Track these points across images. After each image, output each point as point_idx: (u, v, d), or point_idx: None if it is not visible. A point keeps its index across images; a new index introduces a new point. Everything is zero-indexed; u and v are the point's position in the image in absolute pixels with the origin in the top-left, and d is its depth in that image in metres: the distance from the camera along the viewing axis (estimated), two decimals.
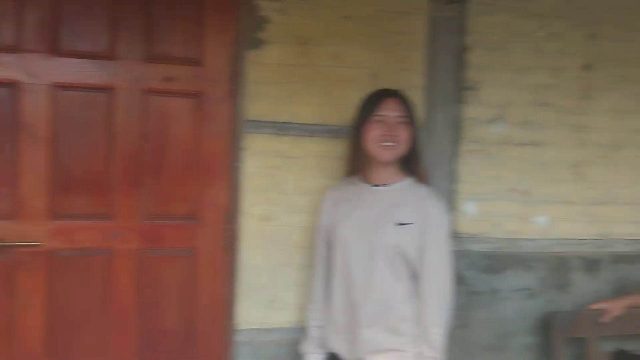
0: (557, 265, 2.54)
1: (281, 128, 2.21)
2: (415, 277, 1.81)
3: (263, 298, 2.22)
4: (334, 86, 2.25)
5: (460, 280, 2.42)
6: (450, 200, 2.40)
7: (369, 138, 1.84)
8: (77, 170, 2.05)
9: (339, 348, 1.88)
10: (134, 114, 2.09)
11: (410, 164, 1.91)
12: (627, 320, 2.49)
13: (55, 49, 2.01)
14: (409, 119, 1.87)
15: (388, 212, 1.83)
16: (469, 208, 2.43)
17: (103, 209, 2.08)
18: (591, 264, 2.58)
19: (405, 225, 1.80)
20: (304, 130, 2.24)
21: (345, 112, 2.24)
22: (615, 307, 2.47)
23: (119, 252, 2.09)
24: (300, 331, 2.11)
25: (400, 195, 1.87)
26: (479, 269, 2.45)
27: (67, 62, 2.02)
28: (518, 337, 2.50)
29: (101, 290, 2.09)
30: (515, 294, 2.50)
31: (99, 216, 2.08)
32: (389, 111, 1.85)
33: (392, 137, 1.82)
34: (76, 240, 2.06)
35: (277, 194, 2.22)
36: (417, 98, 2.34)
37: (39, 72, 1.99)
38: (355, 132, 1.91)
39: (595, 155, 2.55)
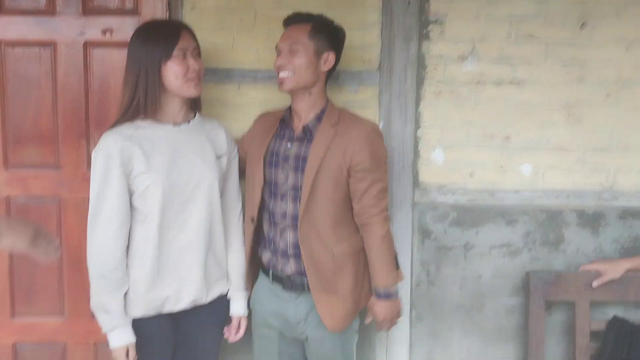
0: (547, 220, 2.25)
1: (223, 75, 2.17)
2: None
3: None
4: (276, 30, 2.13)
5: (425, 234, 2.25)
6: (415, 148, 2.21)
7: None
8: (27, 123, 2.17)
9: None
10: (76, 67, 2.15)
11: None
12: (625, 285, 2.16)
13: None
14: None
15: None
16: (436, 156, 2.22)
17: (52, 159, 2.19)
18: (591, 219, 2.25)
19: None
20: (246, 76, 2.17)
21: None
22: (613, 270, 2.15)
23: (69, 200, 2.20)
24: None
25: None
26: (448, 223, 2.24)
27: (10, 20, 2.12)
28: (496, 298, 2.27)
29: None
30: (494, 250, 2.26)
31: (49, 166, 2.20)
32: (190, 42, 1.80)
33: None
34: (30, 188, 2.20)
35: None
36: (373, 36, 2.17)
37: None
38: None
39: (595, 94, 2.19)
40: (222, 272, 1.94)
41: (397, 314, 1.89)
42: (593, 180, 2.24)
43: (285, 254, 1.83)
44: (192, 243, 1.82)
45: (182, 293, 1.83)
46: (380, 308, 1.83)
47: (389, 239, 1.79)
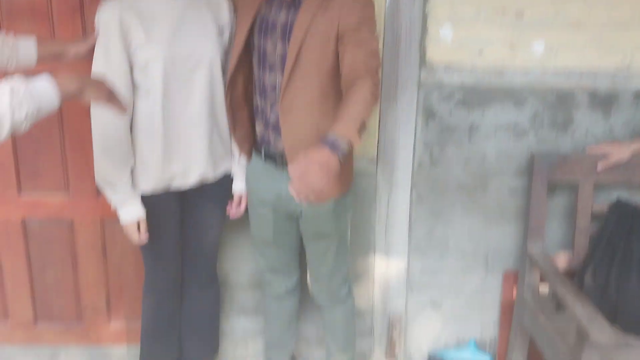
0: (556, 101, 2.18)
1: None
2: None
3: None
4: None
5: (430, 114, 2.20)
6: (423, 24, 2.11)
7: None
8: None
9: None
10: None
11: None
12: (632, 167, 2.12)
13: None
14: None
15: None
16: (444, 32, 2.12)
17: (47, 35, 2.10)
18: (603, 101, 2.17)
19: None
20: None
21: None
22: (620, 151, 2.11)
23: None
24: None
25: None
26: (454, 103, 2.18)
27: None
28: (500, 178, 2.25)
29: (58, 115, 2.20)
30: (499, 131, 2.21)
31: None
32: None
33: None
34: None
35: None
36: None
37: None
38: None
39: None
40: (227, 150, 1.97)
41: (327, 172, 1.42)
42: (608, 60, 2.13)
43: (276, 128, 1.78)
44: (197, 119, 1.82)
45: (189, 169, 1.86)
46: (317, 152, 1.43)
47: (369, 100, 1.56)
